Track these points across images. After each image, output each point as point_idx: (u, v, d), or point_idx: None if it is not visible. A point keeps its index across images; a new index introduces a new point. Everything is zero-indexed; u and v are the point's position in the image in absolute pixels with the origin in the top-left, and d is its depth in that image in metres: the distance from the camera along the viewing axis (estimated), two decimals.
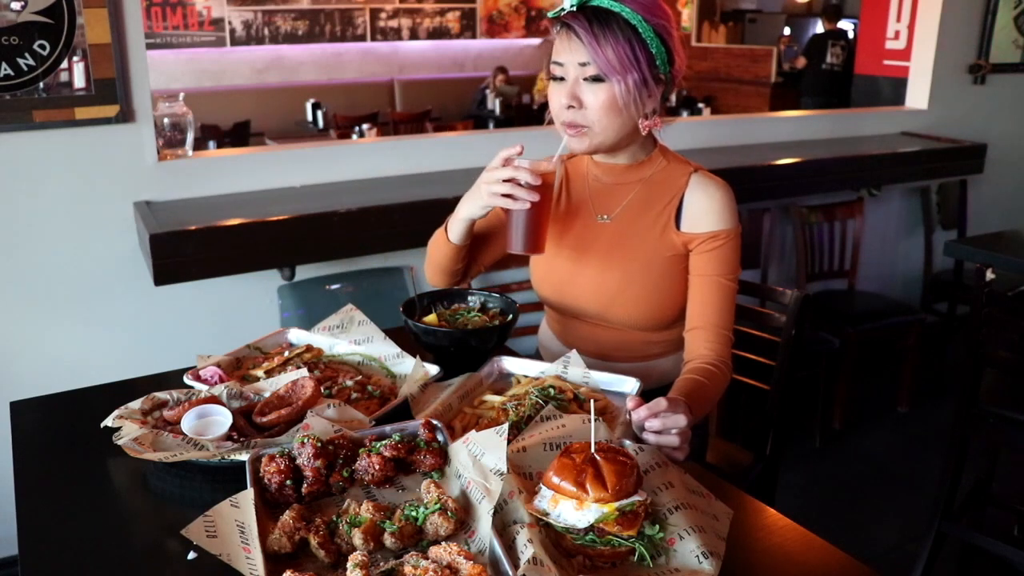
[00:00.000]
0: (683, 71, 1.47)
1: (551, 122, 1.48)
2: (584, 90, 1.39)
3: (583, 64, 1.37)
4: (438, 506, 1.00)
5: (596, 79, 1.37)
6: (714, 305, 1.48)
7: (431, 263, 1.65)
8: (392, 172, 2.69)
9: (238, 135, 6.09)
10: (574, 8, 1.37)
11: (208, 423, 1.22)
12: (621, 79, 1.36)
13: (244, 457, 1.11)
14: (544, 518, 0.99)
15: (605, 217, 1.55)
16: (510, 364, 1.45)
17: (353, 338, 1.53)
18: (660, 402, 1.18)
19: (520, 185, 1.35)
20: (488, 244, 1.66)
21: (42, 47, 2.09)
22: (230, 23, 7.48)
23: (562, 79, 1.41)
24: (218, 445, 1.17)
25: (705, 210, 1.48)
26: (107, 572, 0.99)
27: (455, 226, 1.54)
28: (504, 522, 0.99)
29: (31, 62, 2.08)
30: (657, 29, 1.37)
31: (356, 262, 2.62)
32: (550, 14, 1.42)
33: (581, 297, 1.56)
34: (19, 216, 2.21)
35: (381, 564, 0.93)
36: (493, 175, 1.37)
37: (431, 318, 1.58)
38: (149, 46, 2.60)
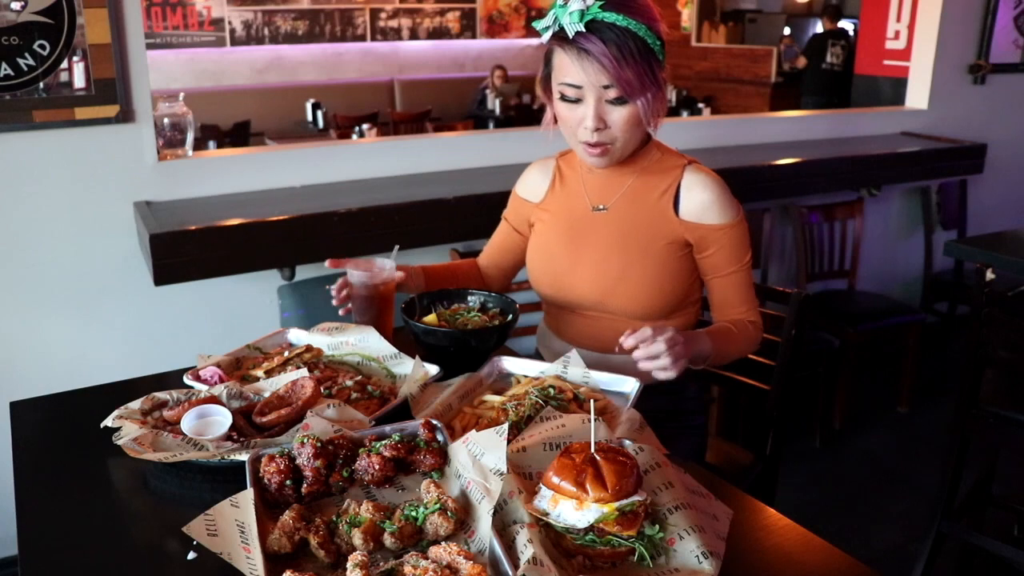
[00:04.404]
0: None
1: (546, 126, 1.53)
2: (607, 111, 1.41)
3: (606, 87, 1.37)
4: (438, 506, 1.00)
5: (620, 100, 1.39)
6: (737, 295, 1.55)
7: None
8: (392, 172, 2.69)
9: (238, 135, 6.09)
10: (580, 27, 1.34)
11: (208, 423, 1.22)
12: (642, 97, 1.38)
13: (244, 457, 1.11)
14: (544, 518, 0.99)
15: (601, 207, 1.57)
16: (510, 364, 1.45)
17: (351, 338, 1.53)
18: (644, 331, 1.29)
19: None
20: (508, 256, 1.77)
21: (42, 47, 2.09)
22: (230, 23, 7.48)
23: (577, 101, 1.41)
24: (218, 445, 1.17)
25: (706, 204, 1.51)
26: (107, 572, 0.99)
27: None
28: (504, 522, 0.99)
29: (31, 62, 2.08)
30: (659, 34, 1.39)
31: None
32: (540, 26, 1.41)
33: (580, 287, 1.57)
34: (19, 216, 2.21)
35: (381, 564, 0.93)
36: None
37: (431, 318, 1.58)
38: (149, 46, 2.60)
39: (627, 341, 1.30)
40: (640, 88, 1.37)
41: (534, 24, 1.44)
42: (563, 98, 1.43)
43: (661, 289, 1.53)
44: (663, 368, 1.29)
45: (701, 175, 1.52)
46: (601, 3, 1.34)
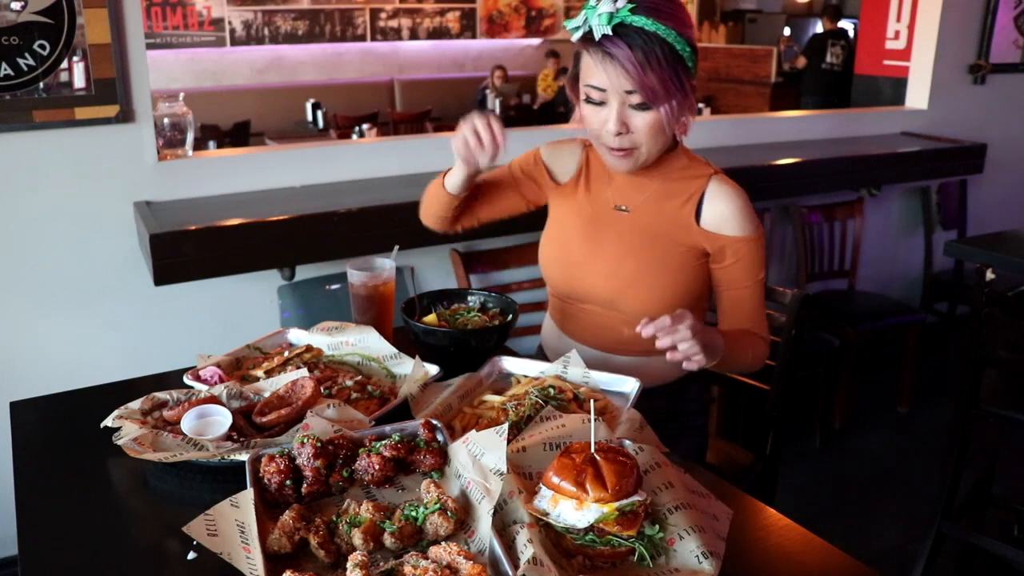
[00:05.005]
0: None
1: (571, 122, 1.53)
2: (630, 115, 1.40)
3: (629, 92, 1.36)
4: (438, 506, 1.00)
5: (643, 106, 1.38)
6: (747, 311, 1.54)
7: (426, 210, 1.70)
8: (392, 172, 2.69)
9: (238, 135, 6.09)
10: (608, 31, 1.33)
11: (208, 423, 1.22)
12: (666, 104, 1.37)
13: (244, 457, 1.11)
14: (544, 518, 0.99)
15: (624, 207, 1.56)
16: (510, 364, 1.45)
17: (351, 338, 1.53)
18: (664, 320, 1.26)
19: (480, 140, 1.42)
20: (488, 199, 1.69)
21: (42, 47, 2.09)
22: (230, 23, 7.48)
23: (601, 103, 1.40)
24: (218, 445, 1.17)
25: (727, 215, 1.50)
26: (107, 572, 0.99)
27: (453, 177, 1.58)
28: (504, 522, 0.99)
29: (31, 62, 2.08)
30: (690, 41, 1.37)
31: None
32: (570, 26, 1.39)
33: (593, 282, 1.57)
34: (19, 216, 2.21)
35: (381, 564, 0.93)
36: (468, 131, 1.43)
37: (431, 318, 1.58)
38: (149, 46, 2.60)
39: (646, 329, 1.26)
40: (664, 95, 1.36)
41: (565, 24, 1.43)
42: (588, 100, 1.42)
43: (674, 295, 1.53)
44: (693, 355, 1.27)
45: (726, 186, 1.52)
46: (631, 7, 1.32)
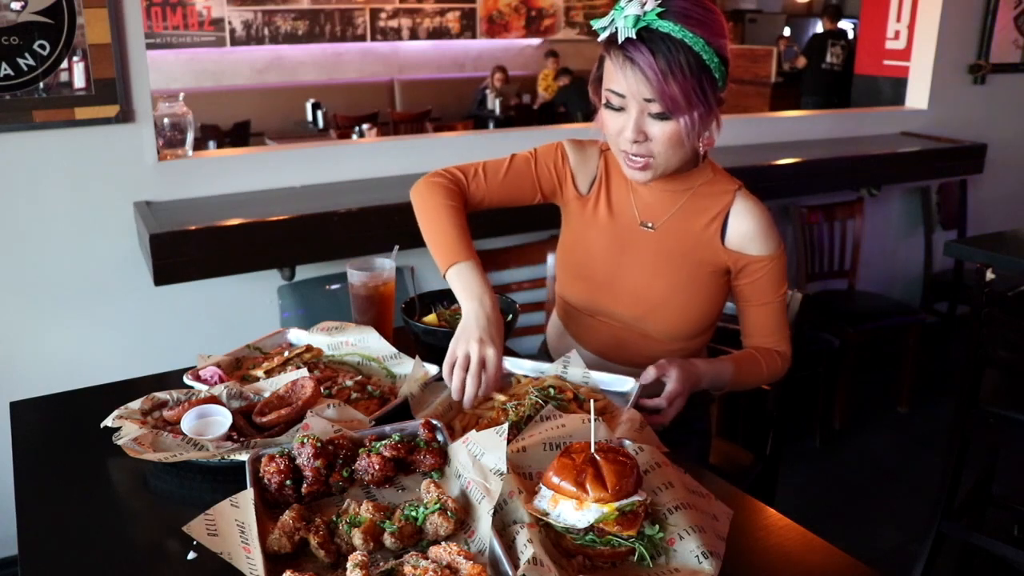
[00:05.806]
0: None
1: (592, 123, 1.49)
2: (648, 124, 1.34)
3: (648, 100, 1.31)
4: (438, 506, 1.00)
5: (662, 116, 1.32)
6: (768, 326, 1.54)
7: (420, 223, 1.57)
8: (392, 172, 2.69)
9: (238, 135, 6.10)
10: (632, 35, 1.28)
11: (208, 423, 1.22)
12: (687, 115, 1.31)
13: (244, 457, 1.11)
14: (544, 518, 0.99)
15: (650, 225, 1.52)
16: (510, 364, 1.45)
17: (351, 338, 1.53)
18: (671, 393, 1.35)
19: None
20: (507, 188, 1.59)
21: (42, 47, 2.09)
22: (230, 23, 7.48)
23: (620, 109, 1.36)
24: (218, 445, 1.17)
25: (751, 235, 1.48)
26: (107, 572, 0.99)
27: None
28: (504, 522, 0.99)
29: (31, 62, 2.08)
30: (720, 51, 1.32)
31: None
32: (597, 26, 1.35)
33: (618, 303, 1.55)
34: (19, 216, 2.21)
35: (381, 564, 0.93)
36: (459, 365, 1.30)
37: (431, 318, 1.58)
38: (149, 46, 2.60)
39: (649, 403, 1.35)
40: (686, 106, 1.30)
41: (592, 23, 1.38)
42: (607, 104, 1.38)
43: (700, 315, 1.52)
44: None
45: (750, 203, 1.49)
46: (660, 10, 1.27)
